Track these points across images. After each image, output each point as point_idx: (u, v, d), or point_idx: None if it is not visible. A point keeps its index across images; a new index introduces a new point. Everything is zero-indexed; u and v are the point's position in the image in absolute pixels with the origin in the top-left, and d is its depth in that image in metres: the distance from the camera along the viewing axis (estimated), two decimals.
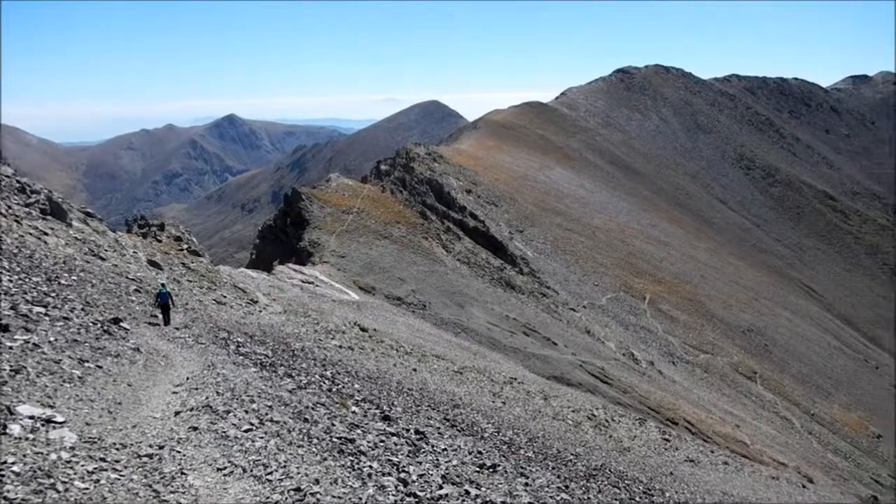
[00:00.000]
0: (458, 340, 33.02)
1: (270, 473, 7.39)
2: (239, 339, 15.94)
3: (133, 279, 18.65)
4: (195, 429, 8.36)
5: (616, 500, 13.46)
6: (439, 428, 13.41)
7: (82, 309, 12.77)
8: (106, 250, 20.28)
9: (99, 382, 9.19)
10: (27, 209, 18.52)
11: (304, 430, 9.22)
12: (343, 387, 14.37)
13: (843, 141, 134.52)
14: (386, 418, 12.16)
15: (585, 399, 28.75)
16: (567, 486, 12.30)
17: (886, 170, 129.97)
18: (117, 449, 7.27)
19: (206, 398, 9.67)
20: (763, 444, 36.85)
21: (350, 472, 8.06)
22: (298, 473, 7.54)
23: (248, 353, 14.64)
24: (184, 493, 6.64)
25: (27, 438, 6.58)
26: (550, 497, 10.49)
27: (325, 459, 8.27)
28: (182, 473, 7.06)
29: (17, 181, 19.79)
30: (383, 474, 8.33)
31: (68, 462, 6.48)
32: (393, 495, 7.69)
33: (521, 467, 12.25)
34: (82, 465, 6.52)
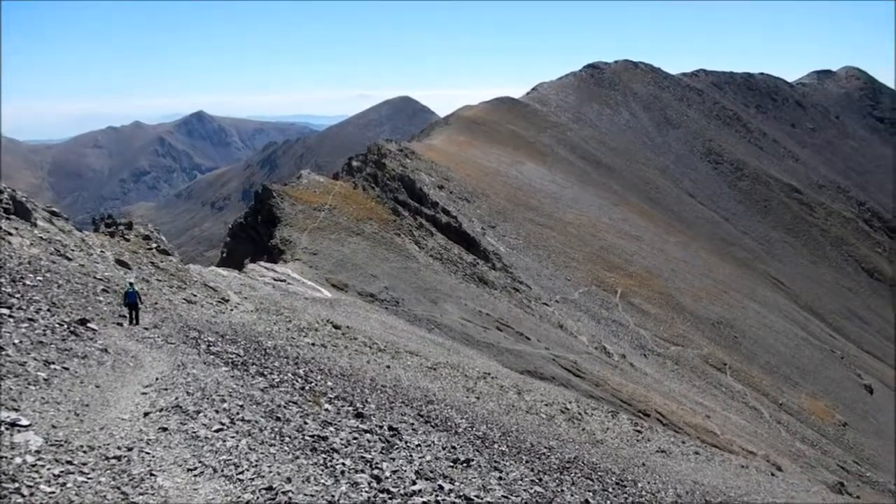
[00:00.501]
0: (432, 336, 33.04)
1: (242, 473, 7.33)
2: (210, 339, 15.78)
3: (100, 279, 18.35)
4: (165, 429, 8.26)
5: (589, 491, 13.58)
6: (413, 424, 13.41)
7: (48, 310, 12.54)
8: (72, 250, 19.93)
9: (65, 384, 9.04)
10: None
11: (277, 429, 9.16)
12: (316, 385, 14.30)
13: (808, 135, 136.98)
14: (359, 415, 12.13)
15: (559, 393, 28.96)
16: (541, 479, 12.39)
17: (850, 163, 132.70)
18: (84, 451, 7.16)
19: (176, 398, 9.56)
20: (733, 434, 37.46)
21: (323, 470, 8.02)
22: (270, 472, 7.49)
23: (219, 352, 14.49)
24: (153, 494, 6.57)
25: None
26: (524, 490, 10.56)
27: (297, 458, 8.23)
28: (151, 475, 6.97)
29: None
30: (356, 471, 8.31)
31: (34, 466, 6.37)
32: (366, 492, 7.68)
33: (495, 461, 12.30)
34: (48, 469, 6.41)
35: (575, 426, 22.99)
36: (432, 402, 17.88)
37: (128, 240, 27.11)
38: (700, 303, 63.24)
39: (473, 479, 9.90)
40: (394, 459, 9.47)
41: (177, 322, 17.14)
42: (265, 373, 13.62)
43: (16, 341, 9.77)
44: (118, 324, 14.68)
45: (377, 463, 8.95)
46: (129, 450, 7.52)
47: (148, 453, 7.51)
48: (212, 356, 13.73)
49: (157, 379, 10.68)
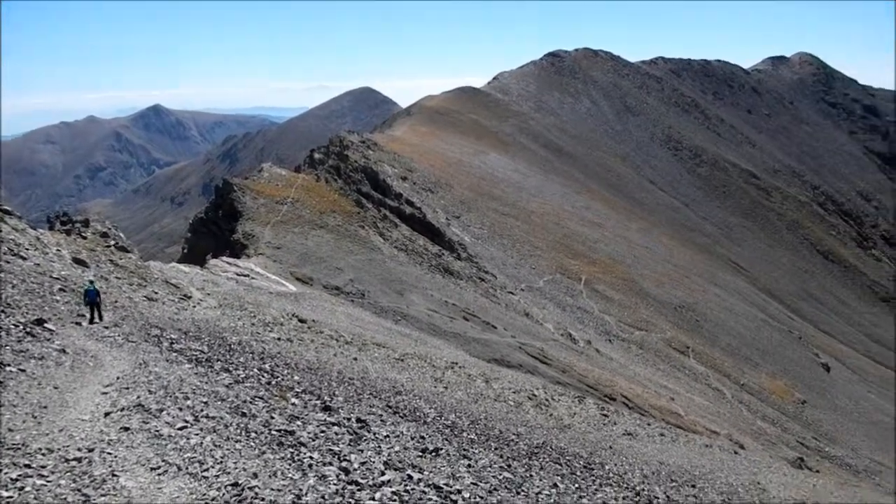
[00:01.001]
0: (399, 328, 33.00)
1: (206, 470, 7.22)
2: (172, 336, 15.52)
3: (57, 278, 17.92)
4: (126, 429, 8.10)
5: (558, 475, 13.72)
6: (381, 415, 13.38)
7: (2, 311, 12.21)
8: (27, 249, 19.41)
9: (22, 386, 8.80)
10: None
11: (242, 425, 9.06)
12: (282, 379, 14.17)
13: (763, 121, 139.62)
14: (327, 408, 12.06)
15: (526, 380, 29.17)
16: (509, 465, 12.47)
17: (805, 148, 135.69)
18: (43, 454, 6.99)
19: (138, 397, 9.39)
20: (696, 415, 38.20)
21: (290, 464, 7.96)
22: (236, 468, 7.40)
23: (182, 349, 14.27)
24: (115, 495, 6.44)
25: None
26: (493, 477, 10.62)
27: (263, 453, 8.14)
28: (113, 475, 6.83)
29: None
30: (324, 464, 8.26)
31: None
32: (334, 484, 7.63)
33: (464, 449, 12.34)
34: (6, 473, 6.25)
35: (543, 412, 23.19)
36: (400, 392, 17.87)
37: (85, 237, 26.50)
38: (662, 288, 64.21)
39: (443, 468, 9.92)
40: (362, 451, 9.43)
41: (138, 320, 16.83)
42: (230, 369, 13.45)
43: None
44: (77, 323, 14.35)
45: (345, 455, 8.90)
46: (90, 451, 7.36)
47: (109, 454, 7.36)
48: (174, 354, 13.51)
49: (117, 378, 10.47)
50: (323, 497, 7.20)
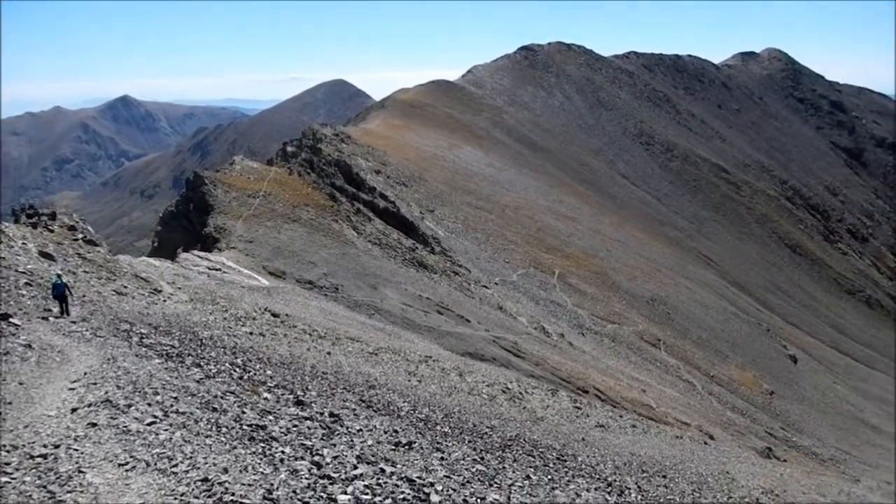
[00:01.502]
0: (373, 322, 32.91)
1: (175, 466, 7.14)
2: (142, 331, 15.31)
3: (23, 272, 17.58)
4: (94, 425, 7.97)
5: (531, 467, 13.80)
6: (355, 409, 13.35)
7: None
8: None
9: None
10: None
11: (213, 420, 8.96)
12: (255, 374, 14.06)
13: (733, 115, 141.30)
14: (299, 403, 11.99)
15: (499, 373, 29.30)
16: (483, 458, 12.52)
17: (773, 143, 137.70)
18: (7, 451, 6.85)
19: (106, 393, 9.24)
20: (667, 407, 38.69)
21: (261, 459, 7.90)
22: (206, 463, 7.32)
23: (152, 344, 14.08)
24: (82, 492, 6.34)
25: None
26: (466, 469, 10.65)
27: (234, 448, 8.07)
28: (80, 472, 6.72)
29: None
30: (296, 459, 8.21)
31: None
32: (306, 479, 7.60)
33: (438, 442, 12.36)
34: None
35: (516, 405, 23.31)
36: (374, 386, 17.84)
37: (52, 231, 26.00)
38: (635, 281, 64.82)
39: (416, 461, 9.92)
40: (335, 445, 9.40)
41: (106, 315, 16.57)
42: (201, 364, 13.31)
43: None
44: (43, 318, 14.09)
45: (318, 449, 8.86)
46: (56, 447, 7.23)
47: (76, 450, 7.24)
48: (144, 348, 13.33)
49: (85, 374, 10.30)
50: (294, 491, 7.16)
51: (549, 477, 13.42)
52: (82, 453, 7.14)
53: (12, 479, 6.23)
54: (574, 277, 59.24)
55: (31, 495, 6.03)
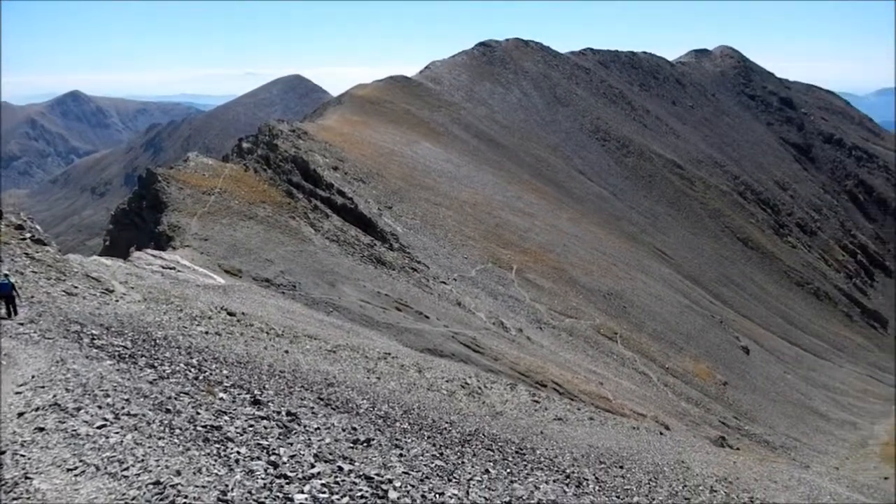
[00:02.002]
0: (331, 319, 32.70)
1: (127, 469, 7.00)
2: (94, 332, 14.95)
3: None
4: (41, 429, 7.77)
5: (490, 461, 13.89)
6: (313, 408, 13.26)
7: None
8: None
9: None
10: None
11: (166, 422, 8.81)
12: (210, 374, 13.85)
13: (687, 112, 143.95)
14: (256, 402, 11.86)
15: (459, 369, 29.39)
16: (442, 454, 12.55)
17: (726, 139, 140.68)
18: None
19: (54, 396, 9.01)
20: (624, 399, 39.33)
21: (216, 460, 7.79)
22: (158, 466, 7.19)
23: (103, 345, 13.76)
24: (29, 498, 6.18)
25: None
26: (425, 465, 10.67)
27: (188, 449, 7.94)
28: (26, 478, 6.55)
29: None
30: (252, 459, 8.12)
31: None
32: (262, 479, 7.52)
33: (397, 439, 12.35)
34: None
35: (475, 400, 23.42)
36: (332, 384, 17.73)
37: None
38: (591, 276, 65.65)
39: (374, 458, 9.91)
40: (292, 444, 9.33)
41: (56, 316, 16.14)
42: (155, 364, 13.06)
43: None
44: None
45: (274, 449, 8.78)
46: (1, 453, 7.03)
47: (23, 455, 7.05)
48: (95, 350, 13.02)
49: (32, 377, 10.02)
50: (250, 492, 7.09)
51: (508, 470, 13.53)
52: (29, 459, 6.95)
53: None
54: (532, 273, 59.73)
55: None
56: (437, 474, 10.40)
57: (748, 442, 46.41)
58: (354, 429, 11.90)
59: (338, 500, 7.54)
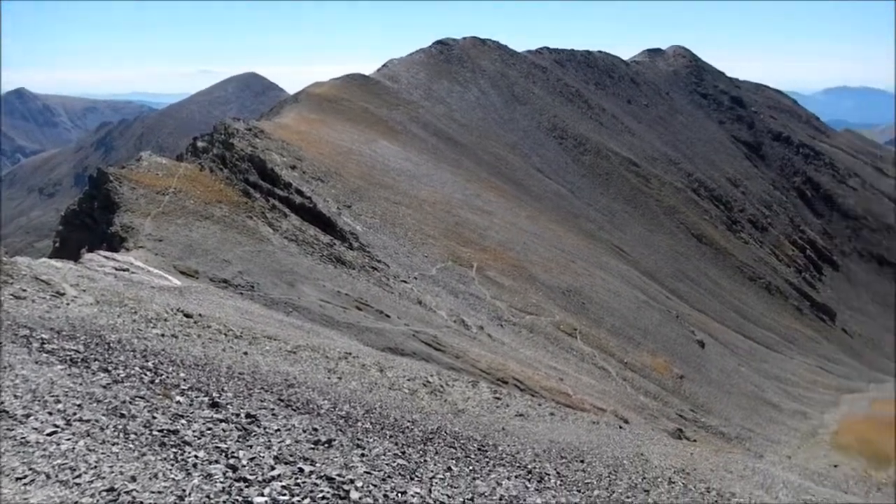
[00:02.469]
0: (291, 320, 32.33)
1: (79, 476, 6.79)
2: (44, 336, 14.48)
3: None
4: None
5: (452, 459, 13.89)
6: (273, 409, 13.08)
7: None
8: None
9: None
10: None
11: (120, 427, 8.58)
12: (167, 377, 13.55)
13: (642, 110, 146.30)
14: (214, 405, 11.64)
15: (420, 367, 29.34)
16: (404, 452, 12.50)
17: (680, 137, 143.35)
18: None
19: (2, 403, 8.70)
20: (584, 394, 39.77)
21: (173, 465, 7.62)
22: (112, 472, 7.00)
23: (54, 349, 13.34)
24: None
25: None
26: (387, 464, 10.61)
27: (143, 455, 7.75)
28: None
29: None
30: (210, 462, 7.97)
31: None
32: (221, 482, 7.38)
33: (358, 439, 12.26)
34: None
35: (437, 398, 23.41)
36: (293, 385, 17.53)
37: None
38: (551, 273, 66.24)
39: (335, 459, 9.81)
40: (251, 447, 9.18)
41: (3, 320, 15.61)
42: (109, 368, 12.72)
43: None
44: None
45: (233, 452, 8.63)
46: None
47: None
48: (45, 354, 12.62)
49: None
50: (208, 496, 6.95)
51: (471, 467, 13.54)
52: None
53: None
54: (492, 270, 60.01)
55: None
56: (400, 473, 10.35)
57: (704, 433, 47.40)
58: (315, 429, 11.77)
59: (298, 501, 7.44)
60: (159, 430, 8.84)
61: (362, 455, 10.69)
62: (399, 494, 8.84)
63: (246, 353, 21.13)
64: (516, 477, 14.15)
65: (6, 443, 7.38)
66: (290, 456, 9.15)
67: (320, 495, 7.72)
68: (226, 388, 14.05)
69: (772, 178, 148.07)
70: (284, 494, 7.44)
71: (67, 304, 21.36)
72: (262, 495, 7.27)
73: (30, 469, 6.80)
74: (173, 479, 7.16)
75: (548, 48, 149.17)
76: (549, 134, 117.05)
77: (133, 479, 6.94)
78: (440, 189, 75.84)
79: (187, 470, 7.55)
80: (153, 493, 6.72)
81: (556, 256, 72.28)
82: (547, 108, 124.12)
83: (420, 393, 23.41)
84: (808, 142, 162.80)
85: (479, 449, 16.21)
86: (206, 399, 12.01)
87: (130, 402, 10.13)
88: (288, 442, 10.07)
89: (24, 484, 6.53)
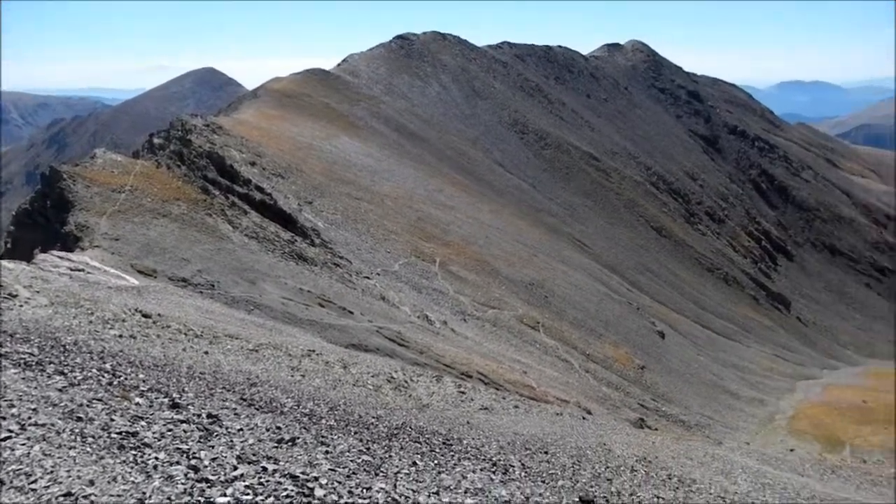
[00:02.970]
0: (252, 318, 31.98)
1: (35, 482, 6.64)
2: None
3: None
4: None
5: (417, 454, 13.91)
6: (235, 409, 12.93)
7: None
8: None
9: None
10: None
11: (77, 430, 8.41)
12: (126, 378, 13.29)
13: (601, 105, 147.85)
14: (175, 406, 11.47)
15: (384, 363, 29.28)
16: (369, 448, 12.48)
17: (638, 131, 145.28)
18: None
19: None
20: (548, 386, 40.17)
21: (132, 467, 7.50)
22: (69, 477, 6.86)
23: (7, 353, 12.99)
24: None
25: None
26: (351, 461, 10.59)
27: (102, 458, 7.61)
28: None
29: None
30: (171, 464, 7.86)
31: None
32: (182, 484, 7.29)
33: (322, 436, 12.21)
34: None
35: (402, 394, 23.40)
36: (255, 384, 17.35)
37: None
38: (513, 267, 66.66)
39: (299, 457, 9.76)
40: (213, 447, 9.08)
41: None
42: (65, 371, 12.43)
43: None
44: None
45: (195, 453, 8.52)
46: None
47: None
48: None
49: None
50: (169, 498, 6.85)
51: (436, 462, 13.59)
52: None
53: None
54: (455, 265, 60.15)
55: None
56: (365, 469, 10.34)
57: (665, 422, 48.27)
58: (279, 428, 11.68)
59: (262, 500, 7.39)
60: (118, 433, 8.68)
61: (326, 452, 10.64)
62: (364, 490, 8.83)
63: (207, 353, 20.84)
64: (481, 470, 14.24)
65: None
66: (253, 455, 9.07)
67: (284, 494, 7.67)
68: (186, 389, 13.84)
69: (728, 170, 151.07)
70: (248, 494, 7.37)
71: (20, 305, 20.81)
72: (225, 495, 7.19)
73: None
74: (133, 482, 7.04)
75: (508, 43, 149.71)
76: (510, 128, 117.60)
77: (91, 483, 6.81)
78: (402, 184, 75.68)
79: (147, 472, 7.44)
80: (112, 496, 6.60)
81: (518, 250, 72.74)
82: (508, 102, 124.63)
83: (384, 389, 23.37)
84: (763, 135, 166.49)
85: (443, 443, 16.26)
86: (166, 400, 11.83)
87: (88, 405, 9.93)
88: (251, 441, 9.98)
89: None
